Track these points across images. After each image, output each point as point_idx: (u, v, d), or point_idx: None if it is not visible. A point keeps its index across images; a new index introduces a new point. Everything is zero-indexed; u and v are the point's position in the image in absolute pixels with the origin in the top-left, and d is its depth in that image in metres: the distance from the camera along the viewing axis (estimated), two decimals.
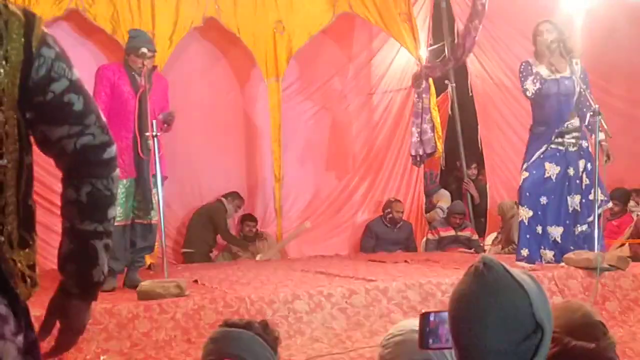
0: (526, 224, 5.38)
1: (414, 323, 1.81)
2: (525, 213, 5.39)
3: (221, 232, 7.63)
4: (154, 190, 4.97)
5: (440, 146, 7.73)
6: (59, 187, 5.92)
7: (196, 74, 7.90)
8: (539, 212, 5.37)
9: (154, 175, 4.96)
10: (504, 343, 1.38)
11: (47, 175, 7.00)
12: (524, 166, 5.44)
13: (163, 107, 5.12)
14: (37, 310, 4.15)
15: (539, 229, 5.38)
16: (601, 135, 5.29)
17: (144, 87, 4.93)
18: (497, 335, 1.38)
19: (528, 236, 5.39)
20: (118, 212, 4.89)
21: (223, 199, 7.70)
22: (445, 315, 1.52)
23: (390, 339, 1.92)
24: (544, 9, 8.04)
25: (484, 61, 8.34)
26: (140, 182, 4.97)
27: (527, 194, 5.39)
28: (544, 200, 5.38)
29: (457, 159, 9.16)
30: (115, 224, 4.84)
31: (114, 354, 3.86)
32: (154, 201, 4.99)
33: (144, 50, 4.94)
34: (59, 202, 5.95)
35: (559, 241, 5.39)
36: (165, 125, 5.04)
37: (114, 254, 4.95)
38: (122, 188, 4.92)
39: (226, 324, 2.07)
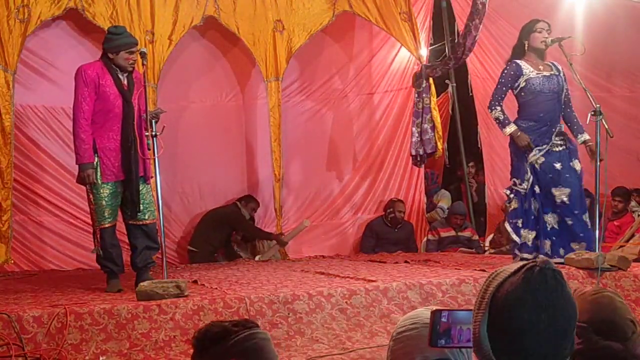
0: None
1: (427, 315, 1.75)
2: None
3: (249, 231, 7.74)
4: (142, 192, 4.95)
5: (440, 146, 7.70)
6: (59, 188, 5.92)
7: (196, 73, 7.89)
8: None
9: (142, 177, 4.95)
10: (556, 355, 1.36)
11: (46, 177, 7.03)
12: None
13: (141, 104, 4.99)
14: (36, 311, 4.16)
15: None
16: (586, 137, 5.33)
17: (127, 87, 4.90)
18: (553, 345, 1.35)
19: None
20: (106, 214, 4.88)
21: (238, 203, 7.71)
22: (461, 315, 1.49)
23: (402, 333, 1.79)
24: (545, 8, 8.03)
25: (484, 61, 8.32)
26: (128, 183, 4.92)
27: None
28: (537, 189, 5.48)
29: (458, 158, 9.16)
30: (106, 225, 4.87)
31: (113, 354, 3.85)
32: (144, 203, 4.96)
33: (136, 46, 4.90)
34: (59, 204, 5.95)
35: (556, 228, 5.44)
36: (154, 122, 4.91)
37: (109, 255, 4.94)
38: (109, 189, 4.90)
39: (215, 326, 1.96)
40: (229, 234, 7.74)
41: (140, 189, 4.94)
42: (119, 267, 5.03)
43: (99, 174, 4.85)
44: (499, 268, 1.44)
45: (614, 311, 1.79)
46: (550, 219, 5.44)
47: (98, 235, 4.93)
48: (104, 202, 4.87)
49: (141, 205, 4.94)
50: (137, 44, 4.95)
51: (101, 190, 4.87)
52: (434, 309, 1.76)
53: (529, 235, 5.45)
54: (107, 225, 4.90)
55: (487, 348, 1.37)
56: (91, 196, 4.91)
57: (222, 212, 7.64)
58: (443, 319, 1.50)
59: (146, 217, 4.99)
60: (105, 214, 4.88)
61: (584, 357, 1.71)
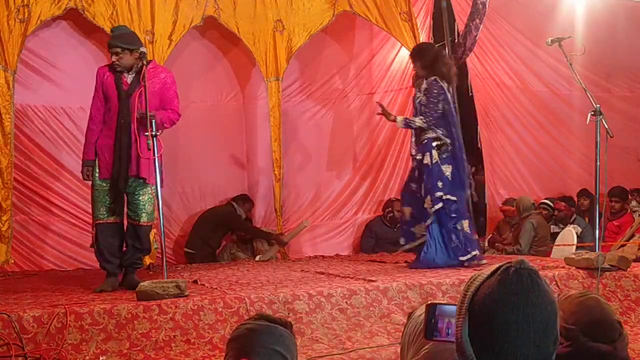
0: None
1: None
2: None
3: (246, 230, 7.73)
4: (140, 193, 4.97)
5: None
6: (59, 188, 5.93)
7: (196, 73, 7.88)
8: None
9: (138, 177, 4.95)
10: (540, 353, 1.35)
11: (46, 175, 7.03)
12: None
13: (159, 105, 5.01)
14: (36, 311, 4.16)
15: None
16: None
17: (127, 85, 4.95)
18: (536, 345, 1.35)
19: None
20: (102, 210, 4.98)
21: (233, 202, 7.70)
22: (452, 309, 1.49)
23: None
24: (545, 8, 8.04)
25: (484, 60, 8.33)
26: (113, 183, 4.96)
27: None
28: None
29: None
30: (100, 221, 4.94)
31: (113, 354, 3.85)
32: (140, 204, 4.99)
33: (114, 47, 4.93)
34: (59, 203, 5.96)
35: None
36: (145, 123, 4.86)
37: (101, 252, 4.98)
38: (103, 186, 4.99)
39: (265, 318, 1.95)
40: (226, 234, 7.73)
41: (138, 190, 4.96)
42: (112, 265, 5.03)
43: (97, 171, 5.00)
44: (476, 272, 1.46)
45: (602, 313, 1.79)
46: None
47: (94, 230, 5.07)
48: (98, 199, 5.02)
49: (134, 206, 5.00)
50: (115, 47, 4.91)
51: (96, 188, 5.03)
52: (433, 302, 1.77)
53: None
54: (101, 221, 5.00)
55: (469, 353, 1.38)
56: (91, 192, 5.13)
57: (219, 212, 7.64)
58: (437, 312, 1.51)
59: (140, 219, 5.01)
60: (101, 209, 5.00)
61: (572, 359, 1.72)
